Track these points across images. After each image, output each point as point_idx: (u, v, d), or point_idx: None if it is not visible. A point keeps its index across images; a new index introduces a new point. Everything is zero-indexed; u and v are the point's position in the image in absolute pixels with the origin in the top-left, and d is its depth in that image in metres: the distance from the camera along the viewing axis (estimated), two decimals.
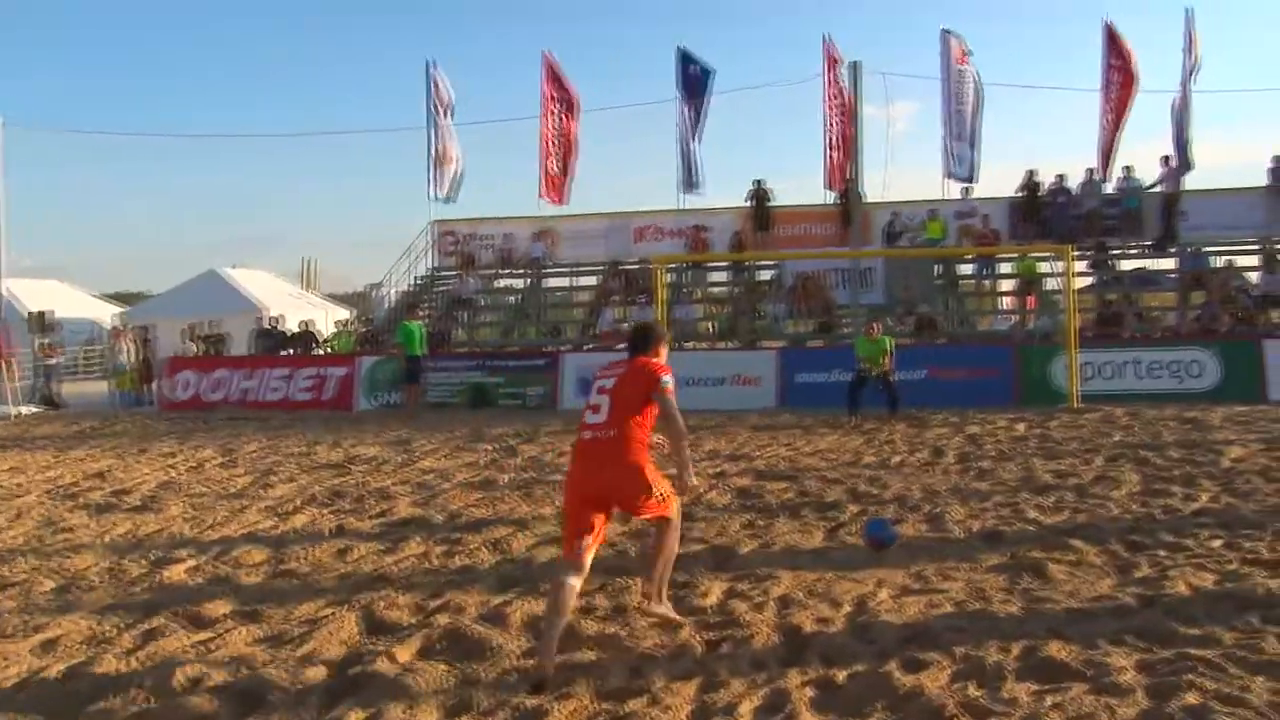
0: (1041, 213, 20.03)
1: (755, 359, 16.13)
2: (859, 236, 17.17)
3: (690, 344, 18.87)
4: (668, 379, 4.53)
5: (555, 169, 22.95)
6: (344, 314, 24.04)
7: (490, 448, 11.29)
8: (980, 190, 20.85)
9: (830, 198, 22.19)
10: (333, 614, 5.02)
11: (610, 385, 4.57)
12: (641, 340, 4.77)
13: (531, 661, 4.29)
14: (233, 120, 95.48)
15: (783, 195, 24.98)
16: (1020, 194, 20.43)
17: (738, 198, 22.35)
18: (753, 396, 15.35)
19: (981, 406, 13.84)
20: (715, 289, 21.80)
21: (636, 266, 21.07)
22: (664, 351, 4.79)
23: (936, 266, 19.91)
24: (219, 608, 5.17)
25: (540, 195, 22.95)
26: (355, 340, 19.91)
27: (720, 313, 19.58)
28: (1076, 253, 18.29)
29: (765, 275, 21.07)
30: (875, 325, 13.26)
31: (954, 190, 21.09)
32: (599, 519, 4.49)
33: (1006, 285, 20.12)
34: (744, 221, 21.89)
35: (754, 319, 19.00)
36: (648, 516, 4.62)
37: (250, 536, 6.89)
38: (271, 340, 20.01)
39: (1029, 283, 18.94)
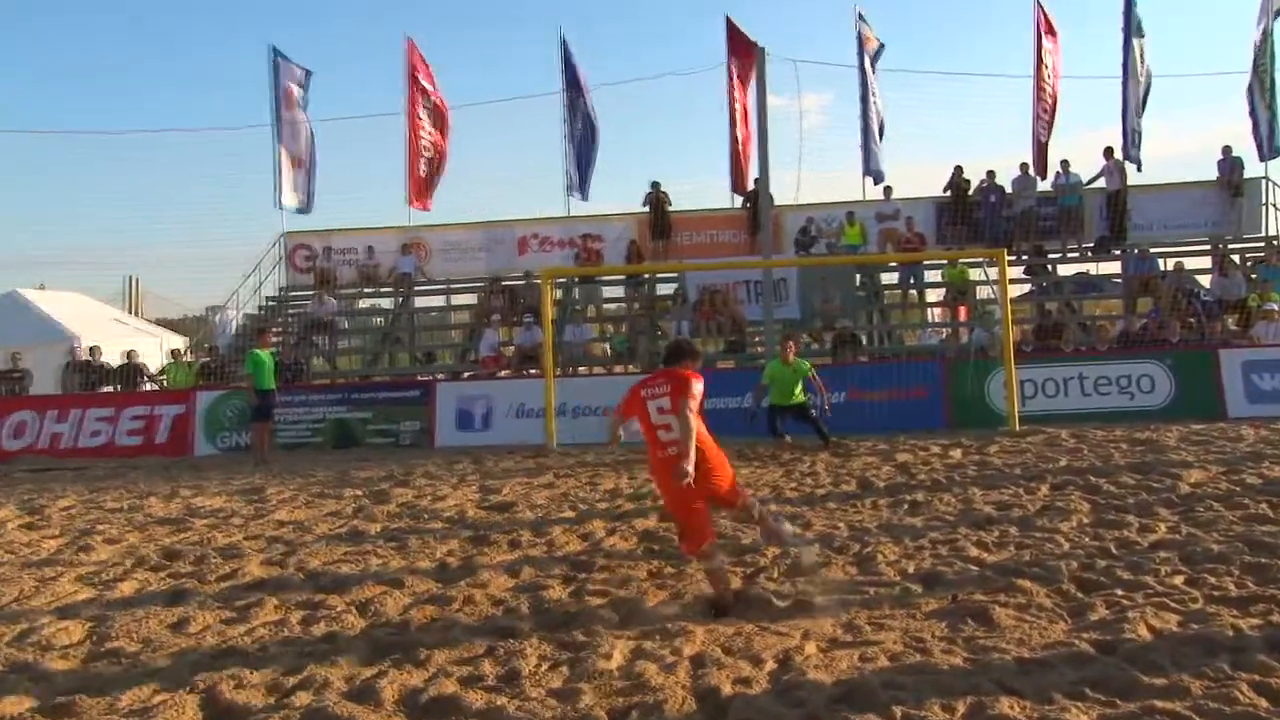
0: (971, 214, 20.77)
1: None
2: (769, 244, 17.44)
3: (583, 368, 18.88)
4: (699, 386, 6.01)
5: (424, 171, 22.72)
6: (178, 341, 23.06)
7: (357, 494, 10.99)
8: (903, 190, 21.60)
9: (736, 202, 22.69)
10: (167, 701, 4.81)
11: (668, 405, 5.96)
12: (675, 355, 6.33)
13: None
14: (36, 115, 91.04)
15: (683, 199, 25.13)
16: (947, 193, 21.18)
17: (633, 203, 22.61)
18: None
19: (911, 431, 14.18)
20: (610, 306, 21.88)
21: (521, 282, 21.00)
22: (694, 365, 6.25)
23: (858, 276, 20.46)
24: (17, 705, 4.84)
25: (409, 202, 22.69)
26: (193, 372, 19.15)
27: (617, 332, 19.64)
28: (1011, 257, 19.00)
29: (666, 289, 21.28)
30: (791, 344, 13.37)
31: (874, 191, 21.84)
32: (704, 508, 6.00)
33: (935, 295, 20.83)
34: (641, 229, 22.10)
35: (655, 338, 19.13)
36: (735, 505, 6.21)
37: (63, 611, 6.50)
38: (88, 375, 19.04)
39: (960, 292, 19.59)
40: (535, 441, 15.13)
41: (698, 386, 5.99)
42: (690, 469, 5.71)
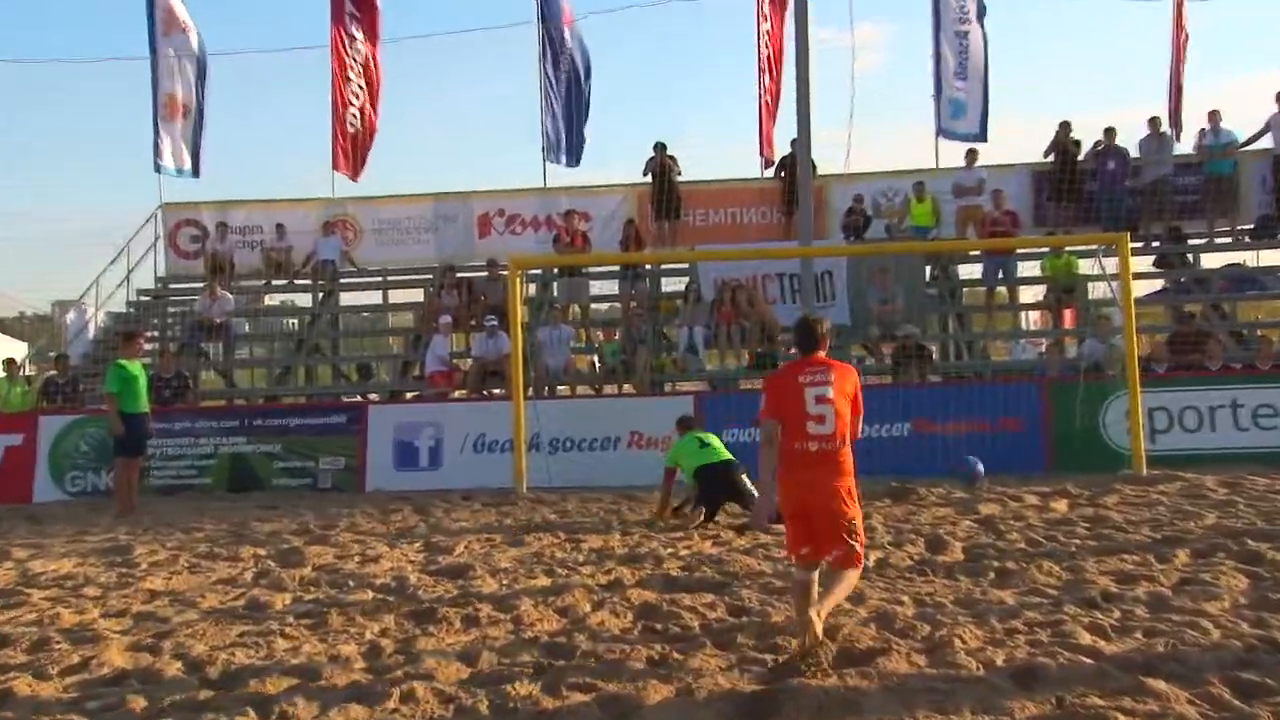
0: (1082, 186, 20.85)
1: (662, 409, 16.21)
2: (809, 226, 17.43)
3: (564, 388, 18.88)
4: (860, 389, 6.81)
5: (354, 126, 22.74)
6: (14, 350, 23.05)
7: (259, 554, 10.94)
8: (990, 155, 21.73)
9: (767, 170, 22.72)
10: None
11: (830, 394, 6.61)
12: (812, 335, 6.91)
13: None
14: None
15: (697, 167, 25.21)
16: (1049, 159, 21.22)
17: (632, 171, 22.69)
18: (659, 464, 15.34)
19: (1000, 475, 14.17)
20: (600, 306, 21.85)
21: (481, 273, 21.01)
22: (826, 348, 6.98)
23: (928, 269, 20.47)
24: None
25: (335, 167, 22.71)
26: (34, 391, 19.08)
27: (609, 341, 19.64)
28: (1137, 244, 19.06)
29: (674, 284, 21.30)
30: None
31: (951, 155, 21.90)
32: (816, 535, 6.66)
33: (1032, 295, 20.88)
34: (641, 206, 22.14)
35: (658, 350, 19.13)
36: (837, 556, 6.71)
37: None
38: None
39: (1066, 290, 19.66)
40: (499, 484, 15.13)
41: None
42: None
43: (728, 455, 12.38)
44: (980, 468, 13.64)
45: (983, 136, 21.71)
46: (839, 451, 6.61)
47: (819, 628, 6.40)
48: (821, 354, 6.90)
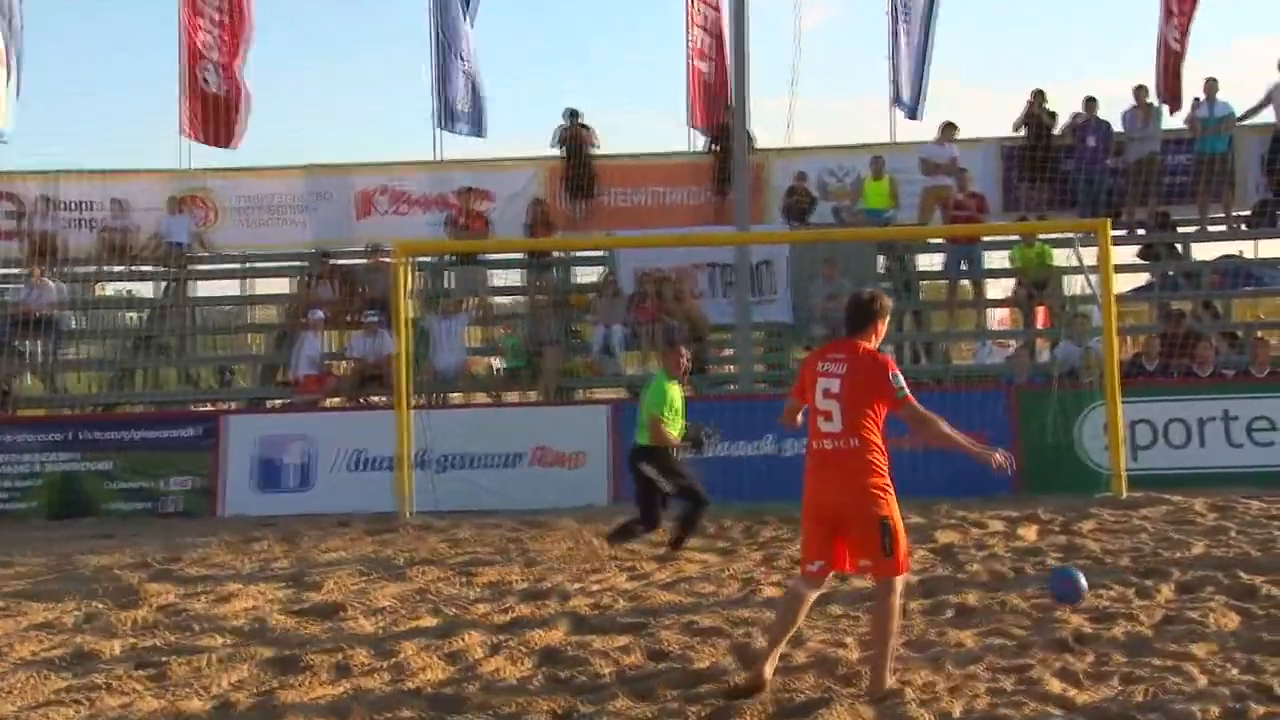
0: (1058, 165, 21.09)
1: (572, 420, 16.40)
2: (746, 208, 17.50)
3: (457, 395, 18.77)
4: (903, 383, 6.83)
5: (211, 86, 22.42)
6: None
7: (87, 593, 10.75)
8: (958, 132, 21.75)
9: (697, 143, 22.76)
10: None
11: (837, 388, 6.84)
12: (858, 315, 7.08)
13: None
14: None
15: (617, 138, 25.06)
16: (1020, 133, 21.44)
17: (539, 142, 22.61)
18: (569, 484, 15.56)
19: (961, 497, 14.28)
20: (503, 300, 21.77)
21: (362, 260, 20.84)
22: (883, 328, 7.11)
23: (881, 259, 20.66)
24: None
25: (184, 132, 22.36)
26: None
27: (509, 337, 19.51)
28: (1119, 231, 19.27)
29: (588, 275, 21.29)
30: (679, 351, 12.64)
31: (911, 129, 22.10)
32: (837, 546, 6.97)
33: (1000, 289, 21.17)
34: (551, 183, 22.11)
35: (569, 351, 19.15)
36: (867, 565, 6.94)
37: None
38: None
39: (1038, 285, 19.90)
40: (380, 508, 15.03)
41: (903, 385, 6.86)
42: (996, 453, 7.04)
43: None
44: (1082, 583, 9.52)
45: (914, 113, 22.00)
46: (855, 451, 6.82)
47: (768, 672, 6.94)
48: (858, 339, 7.03)
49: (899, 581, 6.96)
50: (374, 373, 17.98)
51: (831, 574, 7.13)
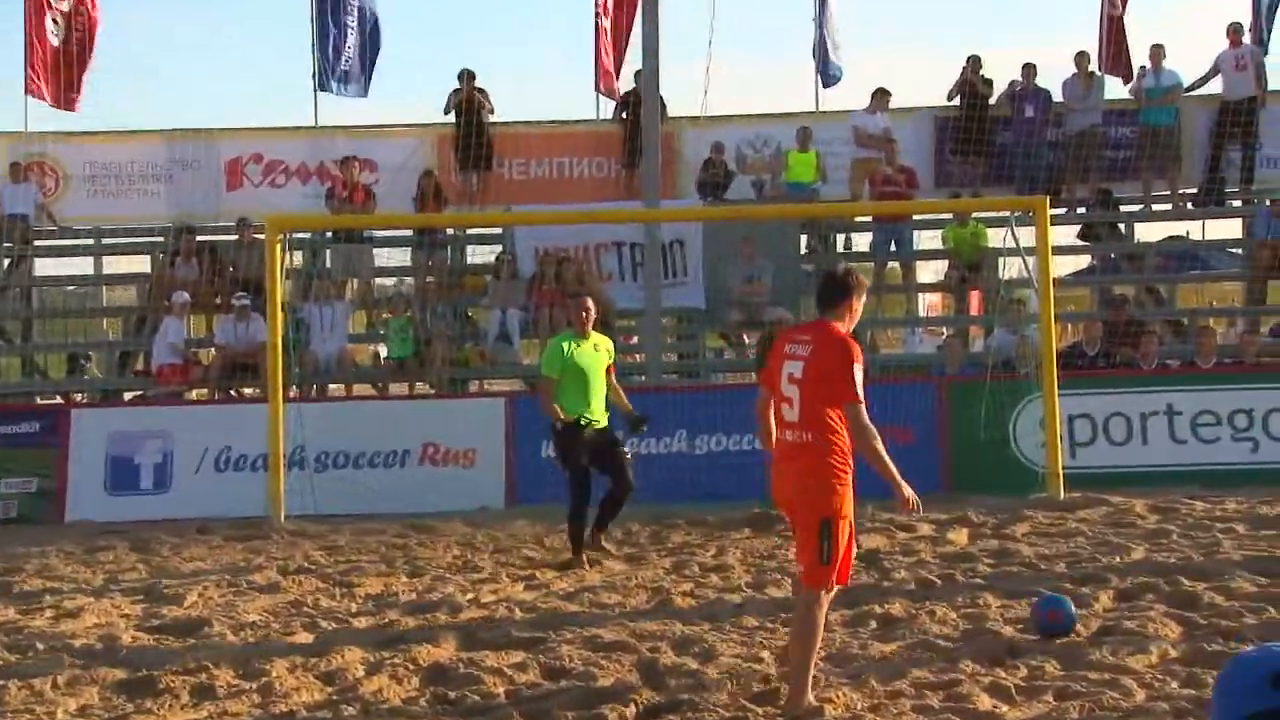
0: (993, 138, 21.30)
1: (464, 414, 16.45)
2: (656, 182, 17.50)
3: (336, 386, 18.64)
4: (859, 382, 6.75)
5: (57, 38, 22.05)
6: None
7: None
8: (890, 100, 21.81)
9: (603, 110, 22.73)
10: None
11: (800, 372, 6.85)
12: (828, 292, 7.17)
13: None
14: None
15: (515, 105, 24.94)
16: (954, 102, 21.67)
17: (430, 108, 22.47)
18: (460, 485, 15.58)
19: (886, 499, 14.29)
20: (387, 281, 21.63)
21: (230, 236, 20.64)
22: (857, 307, 7.14)
23: (803, 238, 20.79)
24: None
25: (30, 91, 21.97)
26: None
27: (396, 321, 19.35)
28: (1058, 210, 19.43)
29: (483, 255, 21.21)
30: (587, 306, 12.26)
31: (837, 97, 22.19)
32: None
33: (930, 272, 21.37)
34: (442, 153, 22.01)
35: (461, 339, 19.09)
36: (800, 567, 7.09)
37: None
38: None
39: (971, 267, 20.11)
40: (249, 512, 14.91)
41: (858, 372, 6.80)
42: (908, 491, 7.01)
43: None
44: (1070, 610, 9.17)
45: (832, 80, 22.14)
46: (808, 446, 6.83)
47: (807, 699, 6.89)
48: (830, 320, 7.06)
49: (826, 595, 6.97)
50: (244, 362, 17.85)
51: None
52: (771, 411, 7.34)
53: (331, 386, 18.61)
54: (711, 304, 19.37)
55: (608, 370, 12.08)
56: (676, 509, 13.91)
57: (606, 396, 12.06)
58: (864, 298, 7.26)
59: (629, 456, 12.19)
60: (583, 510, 11.86)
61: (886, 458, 6.85)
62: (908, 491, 6.97)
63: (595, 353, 12.00)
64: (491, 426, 15.95)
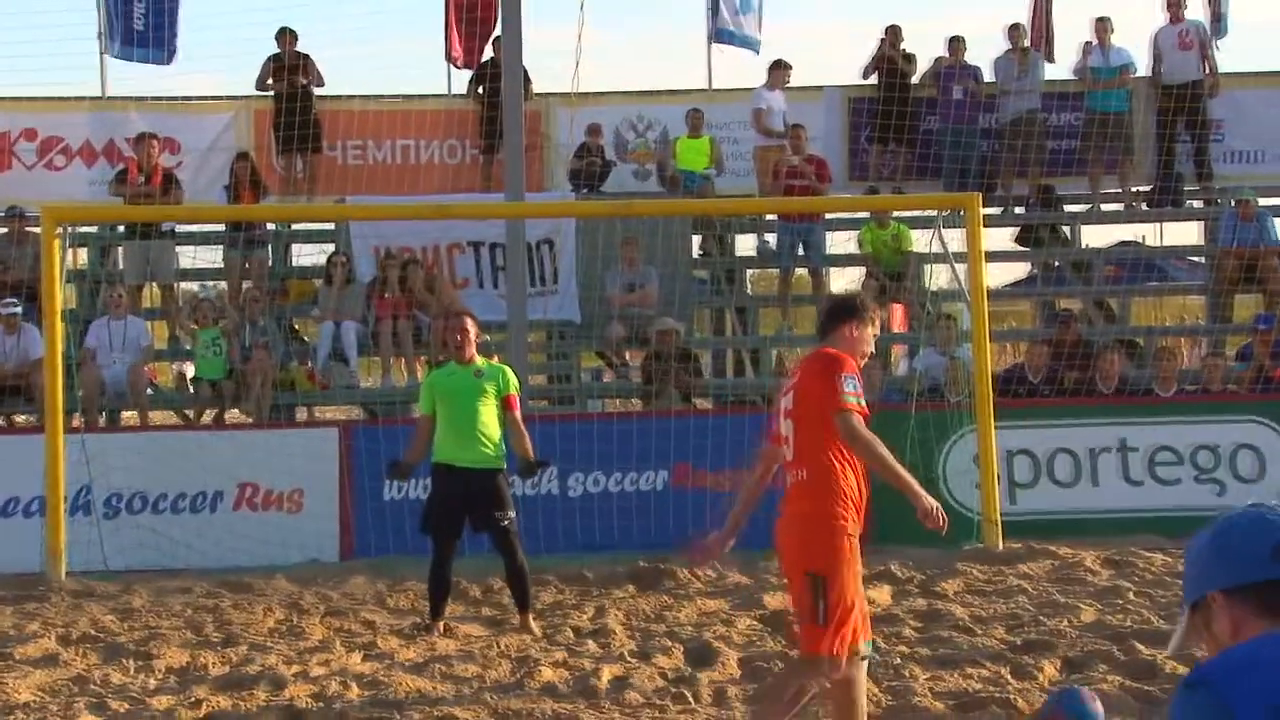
0: (915, 124, 21.52)
1: (290, 448, 16.22)
2: (519, 171, 17.41)
3: (131, 416, 18.38)
4: (849, 383, 6.83)
5: None
6: None
7: None
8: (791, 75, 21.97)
9: (457, 84, 22.67)
10: None
11: (790, 404, 7.07)
12: (823, 319, 7.55)
13: None
14: None
15: (350, 73, 24.78)
16: (870, 81, 21.89)
17: (246, 76, 22.25)
18: (285, 534, 15.52)
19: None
20: (193, 285, 21.40)
21: None
22: (856, 335, 7.20)
23: (696, 239, 20.89)
24: None
25: None
26: None
27: (207, 331, 19.09)
28: (993, 210, 19.72)
29: (312, 256, 21.17)
30: (467, 325, 12.09)
31: (735, 72, 22.25)
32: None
33: (844, 281, 21.66)
34: (260, 132, 21.89)
35: (286, 357, 18.97)
36: (795, 631, 7.25)
37: None
38: None
39: (892, 276, 20.19)
40: (22, 567, 14.72)
41: (849, 384, 6.87)
42: (929, 500, 7.08)
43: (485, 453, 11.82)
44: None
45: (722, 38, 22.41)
46: (803, 485, 6.95)
47: None
48: (826, 345, 7.23)
49: (834, 663, 6.89)
50: (14, 383, 17.52)
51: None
52: (759, 471, 7.53)
53: (125, 414, 18.28)
54: (587, 316, 19.35)
55: (506, 405, 11.87)
56: (546, 561, 13.81)
57: (501, 439, 11.85)
58: (869, 328, 7.30)
59: (507, 524, 11.69)
60: (444, 565, 11.77)
61: (897, 465, 6.98)
62: (929, 502, 7.03)
63: (475, 382, 11.84)
64: (322, 463, 15.85)
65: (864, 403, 6.89)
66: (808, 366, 7.17)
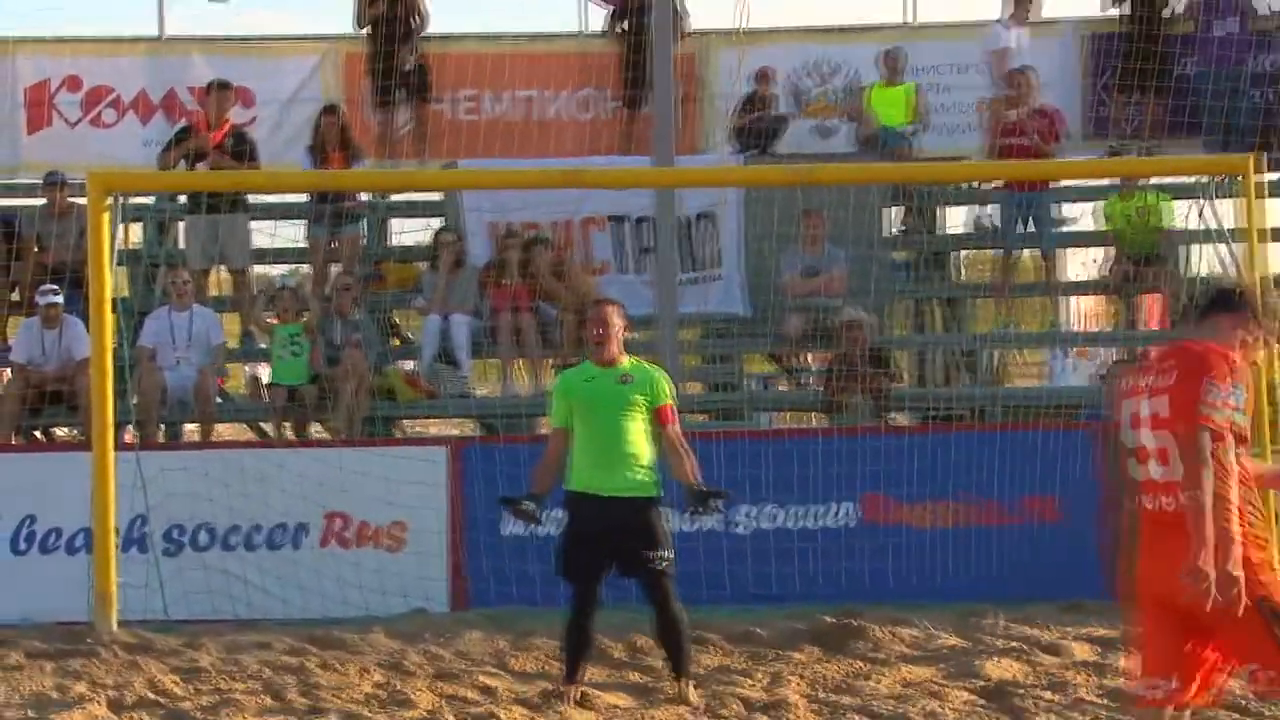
0: (1168, 65, 21.27)
1: (389, 471, 16.15)
2: (671, 128, 17.39)
3: (194, 430, 18.67)
4: (1216, 404, 6.70)
5: None
6: None
7: None
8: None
9: (591, 21, 22.69)
10: None
11: (1165, 409, 6.90)
12: (1203, 308, 7.41)
13: None
14: None
15: (463, 11, 24.84)
16: (1115, 13, 21.80)
17: (336, 14, 22.41)
18: (384, 578, 15.58)
19: (1022, 604, 14.47)
20: (272, 269, 21.63)
21: (34, 200, 20.61)
22: (1237, 332, 7.13)
23: (892, 212, 20.89)
24: None
25: None
26: None
27: (286, 327, 19.24)
28: (1274, 175, 19.61)
29: (415, 233, 21.50)
30: (611, 314, 11.85)
31: (936, 6, 22.22)
32: (1196, 652, 6.92)
33: (1083, 265, 21.46)
34: (352, 80, 22.10)
35: (383, 359, 19.15)
36: (1256, 672, 6.87)
37: None
38: None
39: (1144, 258, 20.00)
40: (66, 615, 14.95)
41: (1214, 393, 6.75)
42: (1214, 570, 6.58)
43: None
44: None
45: None
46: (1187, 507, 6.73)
47: None
48: (1193, 342, 7.11)
49: None
50: (55, 388, 17.76)
51: (1188, 699, 7.00)
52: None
53: (188, 428, 18.47)
54: (756, 309, 19.29)
55: (660, 417, 11.66)
56: (707, 615, 13.78)
57: (655, 459, 11.68)
58: (1260, 329, 7.27)
59: (662, 566, 11.50)
60: (584, 617, 11.66)
61: (1209, 519, 6.63)
62: (1211, 567, 6.62)
63: (621, 389, 11.65)
64: (429, 489, 15.83)
65: (1241, 419, 6.77)
66: (1185, 366, 6.88)
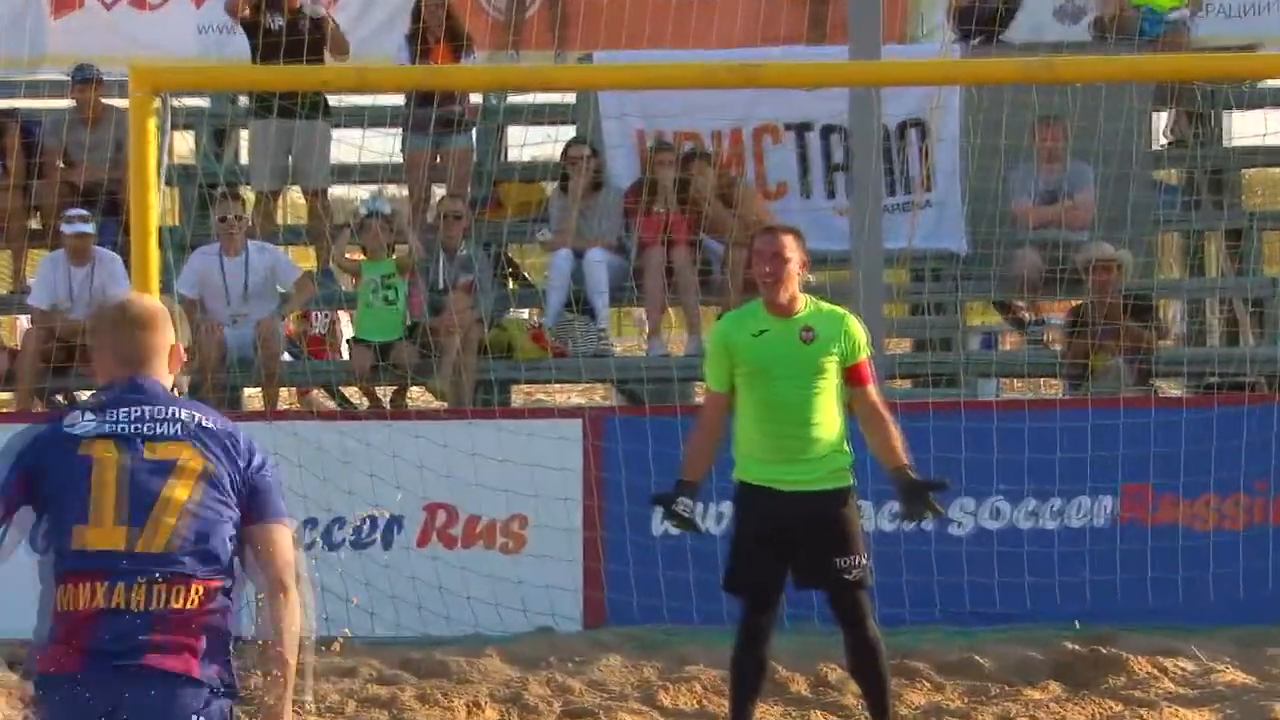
0: None
1: (507, 450, 16.18)
2: (879, 11, 17.21)
3: (253, 391, 18.58)
4: None
5: None
6: None
7: None
8: None
9: None
10: None
11: None
12: None
13: None
14: None
15: None
16: None
17: None
18: (501, 586, 15.63)
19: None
20: (357, 192, 21.67)
21: (59, 100, 20.92)
22: None
23: (1160, 118, 20.62)
24: None
25: None
26: None
27: (375, 264, 19.21)
28: None
29: (540, 146, 21.29)
30: (779, 251, 11.47)
31: None
32: None
33: None
34: None
35: (501, 303, 19.21)
36: None
37: None
38: None
39: None
40: None
41: None
42: None
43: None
44: None
45: None
46: None
47: None
48: None
49: None
50: (84, 342, 17.64)
51: None
52: None
53: (248, 392, 18.46)
54: (979, 243, 19.09)
55: (855, 377, 11.28)
56: (914, 639, 13.73)
57: (847, 437, 11.35)
58: None
59: (856, 576, 11.15)
60: (756, 641, 11.40)
61: None
62: None
63: (806, 351, 11.31)
64: (558, 474, 15.84)
65: None
66: None
